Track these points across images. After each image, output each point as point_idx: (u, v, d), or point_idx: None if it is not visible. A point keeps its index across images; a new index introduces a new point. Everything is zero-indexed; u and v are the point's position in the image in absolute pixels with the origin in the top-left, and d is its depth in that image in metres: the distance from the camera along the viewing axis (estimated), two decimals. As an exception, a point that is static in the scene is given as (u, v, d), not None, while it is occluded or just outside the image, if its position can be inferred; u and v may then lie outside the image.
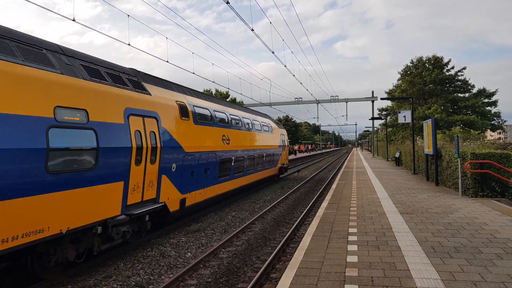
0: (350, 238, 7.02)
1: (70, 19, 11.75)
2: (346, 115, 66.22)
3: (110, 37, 13.99)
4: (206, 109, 12.75)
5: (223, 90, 53.22)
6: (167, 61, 18.53)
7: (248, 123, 17.25)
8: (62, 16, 11.41)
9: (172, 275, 7.21)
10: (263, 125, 19.94)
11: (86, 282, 6.83)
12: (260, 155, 18.45)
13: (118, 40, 13.80)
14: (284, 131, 25.81)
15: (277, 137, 22.89)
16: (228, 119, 14.64)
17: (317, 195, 16.84)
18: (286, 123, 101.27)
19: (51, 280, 6.68)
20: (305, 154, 68.83)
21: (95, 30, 13.13)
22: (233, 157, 14.54)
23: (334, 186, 15.84)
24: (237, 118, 15.94)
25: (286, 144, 26.00)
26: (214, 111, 13.41)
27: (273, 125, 22.80)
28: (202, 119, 12.13)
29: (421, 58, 46.91)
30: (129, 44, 14.57)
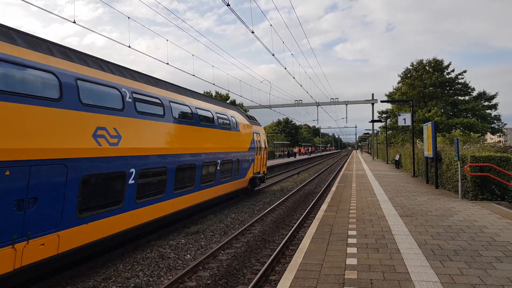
0: (350, 240, 7.02)
1: (71, 21, 11.78)
2: (346, 117, 66.46)
3: (109, 38, 14.02)
4: (38, 69, 6.42)
5: (223, 92, 53.25)
6: (167, 63, 18.57)
7: (181, 111, 10.81)
8: (63, 18, 11.44)
9: (171, 277, 7.20)
10: (219, 117, 13.62)
11: (86, 283, 6.83)
12: (209, 162, 12.28)
13: (118, 42, 13.83)
14: (260, 129, 19.57)
15: (246, 137, 16.64)
16: (122, 99, 8.22)
17: (316, 197, 16.84)
18: (286, 125, 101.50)
19: (49, 282, 6.66)
20: (305, 156, 68.81)
21: (95, 32, 13.16)
22: (131, 170, 8.18)
23: (333, 188, 15.83)
24: (153, 99, 9.52)
25: (263, 146, 19.63)
26: (77, 79, 7.10)
27: (241, 119, 16.34)
28: (14, 89, 5.83)
29: (421, 61, 47.03)
30: (129, 46, 14.60)
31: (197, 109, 11.88)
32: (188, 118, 11.22)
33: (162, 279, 7.19)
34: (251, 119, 18.64)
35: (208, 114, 12.85)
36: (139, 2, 13.45)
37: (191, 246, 9.35)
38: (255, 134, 17.98)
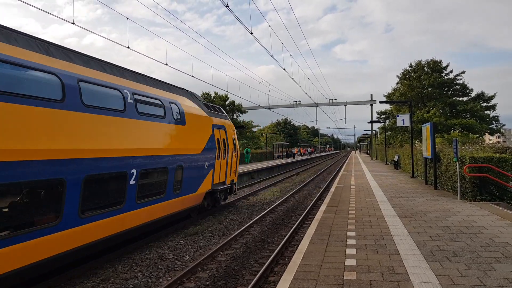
0: (349, 241, 7.01)
1: (70, 22, 11.78)
2: (345, 118, 66.66)
3: (108, 39, 14.04)
4: None
5: (222, 93, 53.22)
6: (166, 64, 18.56)
7: (38, 82, 6.27)
8: (61, 19, 11.44)
9: (170, 278, 7.18)
10: (140, 101, 8.69)
11: (84, 284, 6.81)
12: (106, 173, 7.41)
13: (117, 43, 13.84)
14: (226, 124, 14.42)
15: (200, 133, 11.79)
16: None
17: (315, 198, 16.84)
18: (285, 126, 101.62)
19: (48, 283, 6.64)
20: (305, 157, 68.79)
21: (94, 33, 13.16)
22: None
23: (332, 189, 15.84)
24: None
25: (232, 146, 14.79)
26: None
27: (190, 108, 11.21)
28: None
29: (420, 62, 47.09)
30: (128, 47, 14.60)
31: (81, 83, 6.86)
32: (56, 97, 6.34)
33: (161, 280, 7.17)
34: (212, 109, 13.55)
35: (113, 94, 7.79)
36: (138, 3, 13.46)
37: (190, 247, 9.33)
38: (216, 130, 13.03)
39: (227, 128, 14.42)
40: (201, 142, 11.80)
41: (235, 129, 15.77)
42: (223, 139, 13.78)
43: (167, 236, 10.36)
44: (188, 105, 11.30)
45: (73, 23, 11.85)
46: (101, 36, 14.54)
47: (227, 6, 14.24)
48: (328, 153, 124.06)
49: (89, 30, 12.93)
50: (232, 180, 15.14)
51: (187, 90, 12.22)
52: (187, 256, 8.62)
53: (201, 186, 11.88)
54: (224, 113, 15.03)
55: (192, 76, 22.28)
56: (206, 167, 12.11)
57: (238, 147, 16.01)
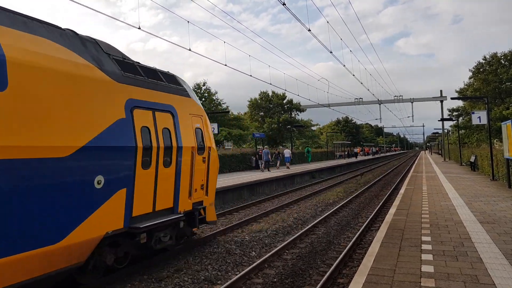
0: (424, 246, 6.62)
1: (136, 27, 12.67)
2: (412, 116, 62.96)
3: (171, 43, 14.87)
4: None
5: (280, 92, 53.08)
6: (225, 65, 19.08)
7: None
8: (128, 24, 12.36)
9: (238, 273, 7.40)
10: None
11: (160, 273, 7.29)
12: None
13: (179, 46, 14.59)
14: (178, 102, 7.90)
15: (74, 113, 5.40)
16: None
17: (383, 200, 16.14)
18: (346, 124, 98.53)
19: (129, 270, 7.22)
20: (369, 157, 66.09)
21: (158, 37, 14.12)
22: None
23: (402, 191, 15.05)
24: None
25: (194, 144, 8.17)
26: None
27: (47, 58, 5.15)
28: None
29: (495, 54, 42.72)
30: (189, 49, 15.29)
31: None
32: None
33: (229, 274, 7.42)
34: (141, 74, 7.18)
35: None
36: (196, 6, 14.08)
37: (255, 243, 9.52)
38: (142, 113, 6.86)
39: (180, 112, 7.96)
40: (73, 132, 5.46)
41: (206, 116, 9.17)
42: (165, 130, 7.38)
43: (233, 231, 10.68)
44: (33, 50, 5.09)
45: (139, 28, 12.73)
46: (165, 40, 15.43)
47: (284, 4, 14.24)
48: (394, 153, 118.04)
49: (153, 35, 13.87)
50: (199, 203, 8.53)
51: (60, 28, 6.08)
52: (253, 252, 8.81)
53: (84, 225, 5.55)
54: (180, 86, 8.47)
55: (251, 75, 22.71)
56: (99, 186, 5.77)
57: (214, 147, 9.34)
